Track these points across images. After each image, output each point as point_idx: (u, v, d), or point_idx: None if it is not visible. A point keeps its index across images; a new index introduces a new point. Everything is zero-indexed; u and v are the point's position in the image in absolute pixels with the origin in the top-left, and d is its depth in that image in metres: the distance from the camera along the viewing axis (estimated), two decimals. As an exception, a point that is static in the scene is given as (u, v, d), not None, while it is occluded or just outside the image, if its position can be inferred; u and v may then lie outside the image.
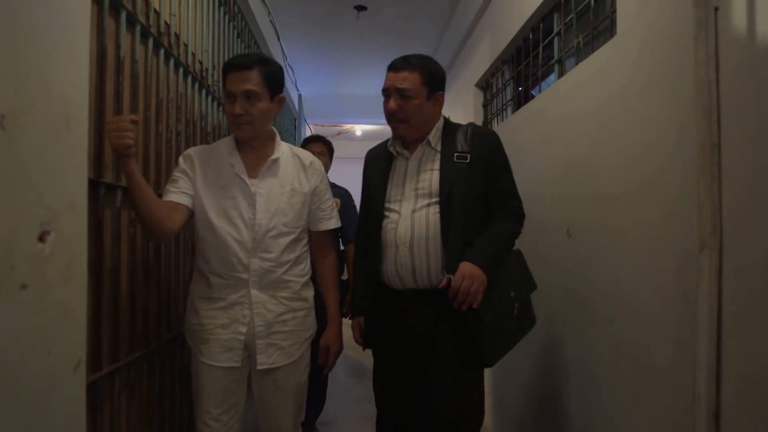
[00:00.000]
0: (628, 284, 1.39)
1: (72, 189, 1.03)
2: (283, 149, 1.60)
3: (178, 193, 1.47)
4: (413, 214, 1.56)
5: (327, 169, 2.83)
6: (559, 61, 1.97)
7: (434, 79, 1.58)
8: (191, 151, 1.56)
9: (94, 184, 1.24)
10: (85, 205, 1.08)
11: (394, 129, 1.62)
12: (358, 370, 4.06)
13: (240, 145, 1.56)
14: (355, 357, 4.37)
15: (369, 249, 1.65)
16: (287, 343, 1.56)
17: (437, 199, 1.54)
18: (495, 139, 1.62)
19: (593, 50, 1.63)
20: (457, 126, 1.64)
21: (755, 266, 0.95)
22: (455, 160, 1.56)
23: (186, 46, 1.91)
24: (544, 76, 2.17)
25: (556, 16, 2.00)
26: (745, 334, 0.97)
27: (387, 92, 1.59)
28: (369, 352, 1.77)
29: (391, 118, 1.60)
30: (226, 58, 2.46)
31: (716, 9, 1.04)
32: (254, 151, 1.56)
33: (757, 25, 0.95)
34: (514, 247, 1.64)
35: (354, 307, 1.77)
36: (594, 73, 1.57)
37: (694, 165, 1.07)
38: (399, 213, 1.59)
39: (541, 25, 2.15)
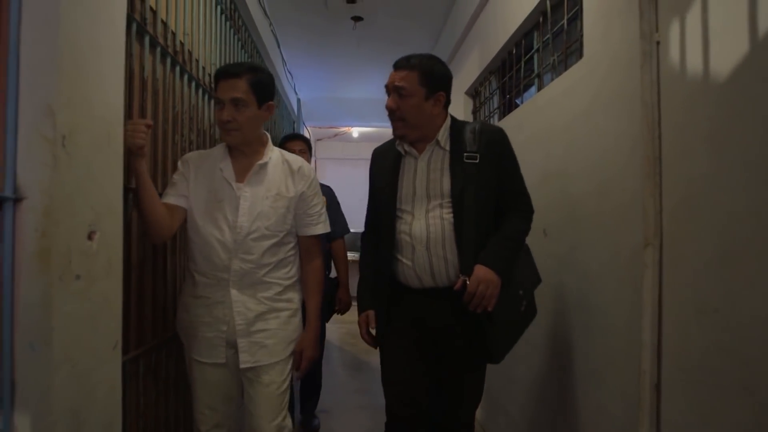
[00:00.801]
0: (593, 277, 1.58)
1: (111, 195, 1.21)
2: (273, 155, 1.65)
3: (175, 196, 1.56)
4: (427, 215, 1.58)
5: None
6: (539, 76, 2.16)
7: (434, 79, 1.57)
8: (189, 155, 1.64)
9: (125, 190, 1.42)
10: (121, 208, 1.26)
11: (393, 129, 1.63)
12: (355, 363, 4.24)
13: (232, 150, 1.62)
14: (352, 352, 4.55)
15: (381, 248, 1.66)
16: (271, 342, 1.59)
17: (449, 199, 1.56)
18: (502, 136, 1.62)
19: (566, 68, 1.82)
20: (464, 124, 1.65)
21: (688, 261, 1.14)
22: (465, 159, 1.56)
23: (197, 61, 2.08)
24: (526, 87, 2.35)
25: (535, 35, 2.19)
26: (679, 318, 1.16)
27: (387, 90, 1.61)
28: (364, 347, 1.75)
29: (390, 115, 1.62)
30: (232, 69, 2.64)
31: (658, 43, 1.22)
32: (245, 157, 1.61)
33: (688, 57, 1.13)
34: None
35: (363, 304, 1.74)
36: (566, 89, 1.76)
37: (642, 174, 1.26)
38: (412, 214, 1.60)
39: (523, 42, 2.34)
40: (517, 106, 2.48)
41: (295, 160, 1.70)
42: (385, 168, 1.69)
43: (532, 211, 1.66)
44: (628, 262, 1.34)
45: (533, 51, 2.20)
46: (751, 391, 0.95)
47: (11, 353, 0.93)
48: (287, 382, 1.64)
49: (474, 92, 3.27)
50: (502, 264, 1.52)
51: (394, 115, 1.60)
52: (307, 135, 6.09)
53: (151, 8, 1.59)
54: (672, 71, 1.19)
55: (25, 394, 0.94)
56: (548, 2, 1.96)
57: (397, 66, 1.60)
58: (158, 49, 1.65)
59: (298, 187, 1.65)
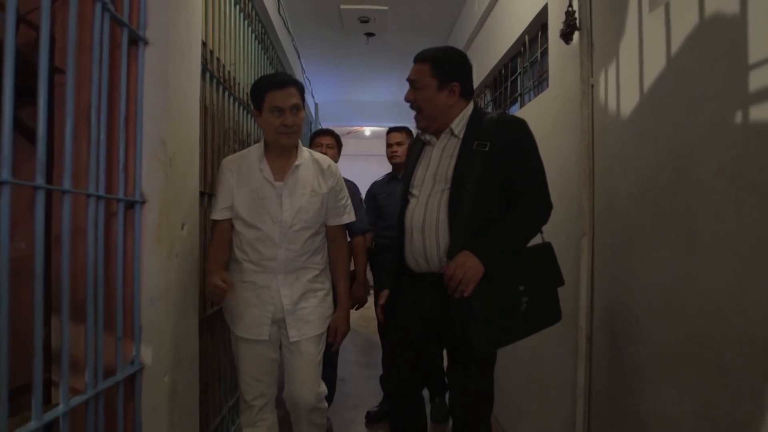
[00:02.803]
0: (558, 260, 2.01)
1: (193, 198, 1.67)
2: (305, 155, 1.82)
3: (222, 210, 1.77)
4: (428, 200, 1.61)
5: (335, 162, 3.24)
6: (521, 95, 2.59)
7: (446, 70, 1.59)
8: (226, 162, 1.81)
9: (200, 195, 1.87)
10: (198, 207, 1.72)
11: (416, 122, 1.68)
12: (366, 343, 4.72)
13: (267, 151, 1.79)
14: (364, 333, 5.03)
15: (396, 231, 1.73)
16: (313, 317, 1.79)
17: (450, 185, 1.57)
18: (520, 126, 1.58)
19: (540, 92, 2.24)
20: (485, 113, 1.64)
21: (610, 246, 1.57)
22: (474, 147, 1.55)
23: (239, 83, 2.54)
24: (512, 103, 2.78)
25: (519, 60, 2.61)
26: (604, 287, 1.60)
27: (408, 83, 1.67)
28: (374, 329, 1.93)
29: (411, 107, 1.67)
30: (262, 85, 3.09)
31: (592, 85, 1.65)
32: (281, 158, 1.78)
33: (608, 99, 1.56)
34: (546, 240, 1.61)
35: (381, 283, 1.92)
36: (537, 113, 2.18)
37: (582, 182, 1.69)
38: (417, 198, 1.64)
39: (510, 64, 2.76)
40: (507, 117, 2.90)
41: (323, 159, 1.88)
42: (412, 156, 1.76)
43: (544, 203, 1.57)
44: (575, 248, 1.78)
45: (517, 74, 2.63)
46: (636, 333, 1.39)
47: (139, 306, 1.38)
48: (322, 353, 1.85)
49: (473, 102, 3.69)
50: (486, 252, 1.46)
51: (412, 106, 1.67)
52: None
53: (210, 51, 2.05)
54: (600, 108, 1.62)
55: (148, 334, 1.40)
56: (526, 36, 2.39)
57: (415, 59, 1.66)
58: (214, 81, 2.10)
59: (329, 183, 1.84)
